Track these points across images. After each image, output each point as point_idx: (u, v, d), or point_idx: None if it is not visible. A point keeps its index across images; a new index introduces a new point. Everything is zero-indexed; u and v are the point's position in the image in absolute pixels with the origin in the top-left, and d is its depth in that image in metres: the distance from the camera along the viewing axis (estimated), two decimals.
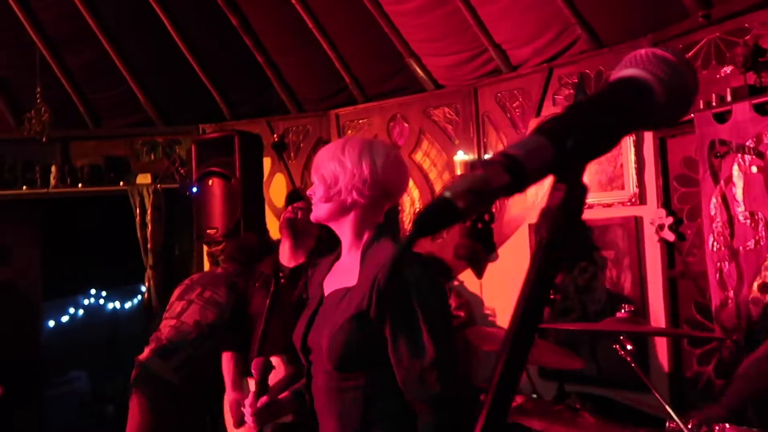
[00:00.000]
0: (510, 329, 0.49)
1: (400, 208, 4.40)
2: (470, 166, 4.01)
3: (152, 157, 5.10)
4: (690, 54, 3.31)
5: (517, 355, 0.48)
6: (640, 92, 0.52)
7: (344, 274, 1.59)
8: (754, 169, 2.88)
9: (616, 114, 0.51)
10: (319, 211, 1.59)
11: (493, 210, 3.95)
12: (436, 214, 0.46)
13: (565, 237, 0.49)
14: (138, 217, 4.85)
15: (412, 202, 4.49)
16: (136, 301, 8.47)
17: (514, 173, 0.46)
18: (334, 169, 1.55)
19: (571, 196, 0.49)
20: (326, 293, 1.62)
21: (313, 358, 1.58)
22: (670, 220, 3.31)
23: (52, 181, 4.97)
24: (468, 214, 0.45)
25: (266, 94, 4.98)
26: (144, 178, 4.99)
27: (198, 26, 4.85)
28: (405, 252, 0.48)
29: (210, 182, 4.03)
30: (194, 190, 4.14)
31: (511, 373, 0.47)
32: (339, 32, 4.57)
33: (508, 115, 4.05)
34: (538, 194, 3.90)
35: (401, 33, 4.35)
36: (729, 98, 2.99)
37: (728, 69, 3.13)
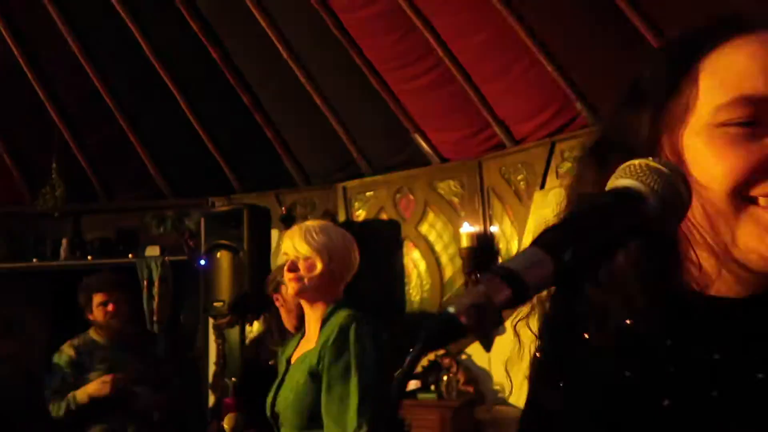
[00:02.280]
0: None
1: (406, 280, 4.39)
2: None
3: (162, 229, 5.16)
4: None
5: None
6: (633, 202, 0.53)
7: (307, 342, 1.79)
8: None
9: (612, 225, 0.52)
10: (295, 288, 1.78)
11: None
12: (442, 330, 0.47)
13: (566, 348, 0.49)
14: (145, 290, 4.86)
15: (418, 273, 4.49)
16: None
17: (514, 287, 0.47)
18: (331, 248, 1.78)
19: (571, 306, 0.50)
20: (293, 362, 1.81)
21: (281, 422, 1.73)
22: None
23: (62, 254, 5.02)
24: (471, 330, 0.46)
25: (275, 167, 5.10)
26: (153, 251, 5.04)
27: (210, 103, 5.03)
28: (411, 368, 0.49)
29: (218, 255, 4.07)
30: (202, 262, 4.17)
31: None
32: (346, 108, 4.72)
33: (513, 188, 4.11)
34: None
35: (407, 109, 4.49)
36: None
37: None
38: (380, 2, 4.11)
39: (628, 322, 0.63)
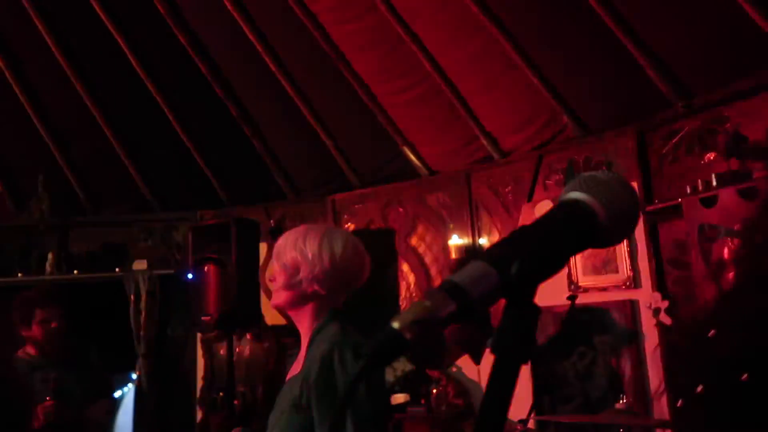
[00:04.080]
0: None
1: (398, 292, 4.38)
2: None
3: (149, 243, 5.12)
4: (674, 140, 3.43)
5: None
6: (582, 215, 0.53)
7: (297, 362, 1.61)
8: None
9: (560, 237, 0.53)
10: (279, 299, 1.60)
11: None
12: (386, 346, 0.47)
13: (517, 359, 0.49)
14: (132, 304, 4.81)
15: (408, 286, 4.48)
16: (126, 389, 8.20)
17: (460, 302, 0.47)
18: (295, 258, 1.56)
19: (521, 318, 0.50)
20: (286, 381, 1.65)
21: None
22: (666, 303, 3.31)
23: (48, 268, 4.96)
24: (417, 343, 0.46)
25: (264, 180, 5.09)
26: (140, 264, 4.99)
27: (198, 115, 5.02)
28: (355, 386, 0.49)
29: (206, 269, 4.03)
30: (189, 276, 4.13)
31: None
32: (335, 121, 4.73)
33: (501, 200, 4.13)
34: None
35: (395, 122, 4.50)
36: (714, 183, 3.07)
37: (711, 155, 3.23)
38: (369, 16, 4.13)
39: None
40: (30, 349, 2.86)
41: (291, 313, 1.62)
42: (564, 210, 0.54)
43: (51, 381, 2.68)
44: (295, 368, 1.60)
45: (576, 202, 0.54)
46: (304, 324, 1.60)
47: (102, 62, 4.93)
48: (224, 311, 3.86)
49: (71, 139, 5.15)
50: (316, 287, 1.55)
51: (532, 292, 0.51)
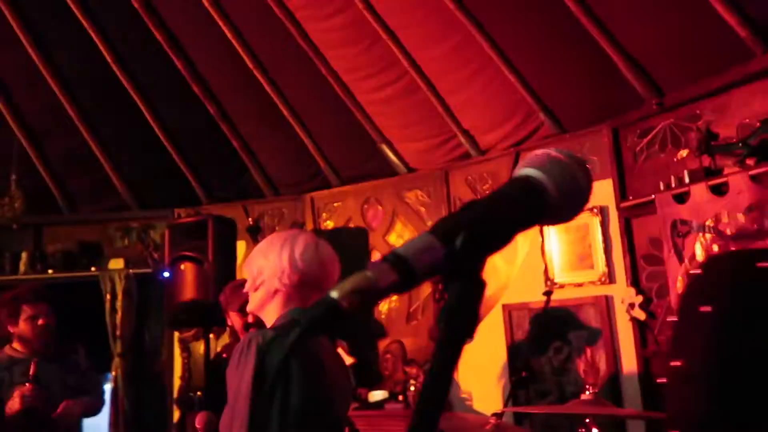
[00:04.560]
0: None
1: None
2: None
3: (126, 241, 5.07)
4: (648, 138, 3.47)
5: None
6: (532, 191, 0.53)
7: None
8: (715, 247, 2.95)
9: (507, 211, 0.52)
10: (252, 303, 1.67)
11: None
12: (322, 315, 0.47)
13: (462, 334, 0.49)
14: (108, 303, 4.75)
15: None
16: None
17: (402, 273, 0.47)
18: (259, 261, 1.65)
19: (467, 292, 0.50)
20: None
21: None
22: (640, 298, 3.35)
23: (22, 267, 4.89)
24: (355, 313, 0.46)
25: (242, 178, 5.06)
26: (116, 263, 4.94)
27: (175, 113, 4.97)
28: (291, 353, 0.48)
29: (182, 267, 4.00)
30: (166, 274, 4.10)
31: None
32: (313, 118, 4.71)
33: (479, 197, 4.14)
34: (511, 274, 3.93)
35: (373, 120, 4.50)
36: (686, 180, 3.11)
37: (684, 152, 3.27)
38: (345, 13, 4.13)
39: None
40: (17, 345, 2.87)
41: (261, 315, 1.67)
42: (514, 185, 0.54)
43: (29, 368, 2.66)
44: None
45: (527, 177, 0.54)
46: (270, 317, 1.64)
47: (76, 59, 4.87)
48: (201, 309, 3.84)
49: (45, 138, 5.08)
50: (276, 285, 1.61)
51: (479, 266, 0.50)
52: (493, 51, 3.78)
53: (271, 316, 1.63)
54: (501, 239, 0.52)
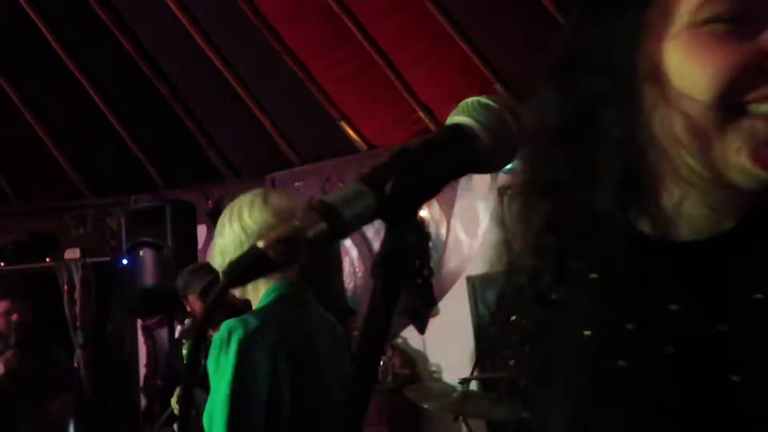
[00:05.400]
0: (351, 384, 0.49)
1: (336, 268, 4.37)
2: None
3: (82, 230, 4.93)
4: None
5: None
6: (464, 137, 0.53)
7: None
8: None
9: (438, 159, 0.52)
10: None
11: (431, 265, 3.98)
12: (247, 265, 0.45)
13: (397, 283, 0.49)
14: (66, 294, 4.63)
15: (351, 261, 4.48)
16: None
17: (330, 221, 0.46)
18: (219, 243, 1.54)
19: (401, 241, 0.49)
20: None
21: None
22: None
23: None
24: (281, 264, 0.45)
25: (200, 161, 4.96)
26: (73, 253, 4.80)
27: (127, 96, 4.82)
28: (215, 304, 0.47)
29: (141, 253, 3.91)
30: (124, 262, 4.01)
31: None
32: (270, 97, 4.63)
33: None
34: (474, 246, 3.98)
35: (331, 97, 4.45)
36: None
37: None
38: None
39: (592, 275, 0.59)
40: None
41: (249, 298, 1.54)
42: (445, 133, 0.54)
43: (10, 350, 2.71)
44: None
45: (459, 125, 0.54)
46: (252, 297, 1.52)
47: (17, 40, 4.65)
48: (162, 295, 3.77)
49: None
50: None
51: (412, 215, 0.50)
52: (448, 23, 3.77)
53: (254, 296, 1.50)
54: (431, 187, 0.51)
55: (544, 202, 0.63)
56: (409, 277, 0.49)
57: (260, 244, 0.45)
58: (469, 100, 0.55)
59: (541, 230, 0.63)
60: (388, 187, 0.48)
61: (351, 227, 0.47)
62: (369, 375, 0.49)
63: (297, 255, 0.45)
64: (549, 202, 0.63)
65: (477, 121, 0.54)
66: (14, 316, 2.85)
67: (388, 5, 3.93)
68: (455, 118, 0.55)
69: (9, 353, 2.67)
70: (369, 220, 0.48)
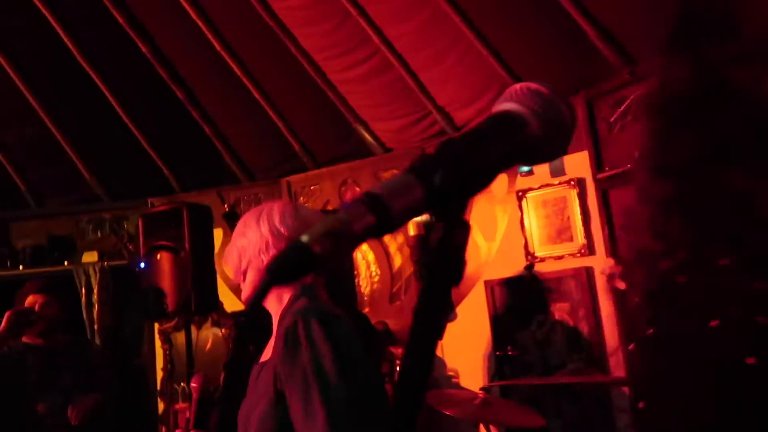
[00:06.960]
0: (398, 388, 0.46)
1: (355, 272, 4.36)
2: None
3: (99, 234, 4.96)
4: (622, 108, 3.47)
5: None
6: (514, 125, 0.50)
7: (269, 346, 1.48)
8: None
9: (488, 147, 0.49)
10: (245, 291, 1.53)
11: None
12: (291, 261, 0.42)
13: (447, 278, 0.46)
14: (84, 298, 4.66)
15: (367, 265, 4.46)
16: None
17: (378, 214, 0.43)
18: (239, 242, 1.51)
19: (449, 236, 0.46)
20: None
21: None
22: (619, 269, 3.37)
23: None
24: (328, 260, 0.42)
25: (216, 164, 4.96)
26: (90, 256, 4.83)
27: (143, 100, 4.84)
28: (256, 303, 0.44)
29: (158, 257, 3.91)
30: (142, 265, 4.01)
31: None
32: (285, 101, 4.62)
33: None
34: (492, 251, 3.94)
35: (347, 100, 4.43)
36: None
37: None
38: None
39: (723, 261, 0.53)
40: (26, 339, 2.96)
41: (263, 303, 1.49)
42: (493, 120, 0.50)
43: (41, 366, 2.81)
44: (266, 353, 1.47)
45: (507, 112, 0.50)
46: (273, 304, 1.49)
47: (36, 46, 4.69)
48: (180, 299, 3.77)
49: (5, 129, 4.91)
50: (264, 260, 1.45)
51: (461, 208, 0.47)
52: (464, 24, 3.73)
53: (273, 301, 1.47)
54: (482, 178, 0.48)
55: (673, 182, 0.58)
56: (456, 278, 0.46)
57: (305, 239, 0.42)
58: (517, 85, 0.51)
59: (667, 212, 0.57)
60: (437, 179, 0.44)
61: (399, 221, 0.43)
62: (423, 371, 0.46)
63: (344, 250, 0.42)
64: (678, 181, 0.58)
65: (527, 107, 0.50)
66: (35, 309, 2.91)
67: (405, 7, 3.91)
68: (502, 105, 0.51)
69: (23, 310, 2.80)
70: (417, 213, 0.44)
